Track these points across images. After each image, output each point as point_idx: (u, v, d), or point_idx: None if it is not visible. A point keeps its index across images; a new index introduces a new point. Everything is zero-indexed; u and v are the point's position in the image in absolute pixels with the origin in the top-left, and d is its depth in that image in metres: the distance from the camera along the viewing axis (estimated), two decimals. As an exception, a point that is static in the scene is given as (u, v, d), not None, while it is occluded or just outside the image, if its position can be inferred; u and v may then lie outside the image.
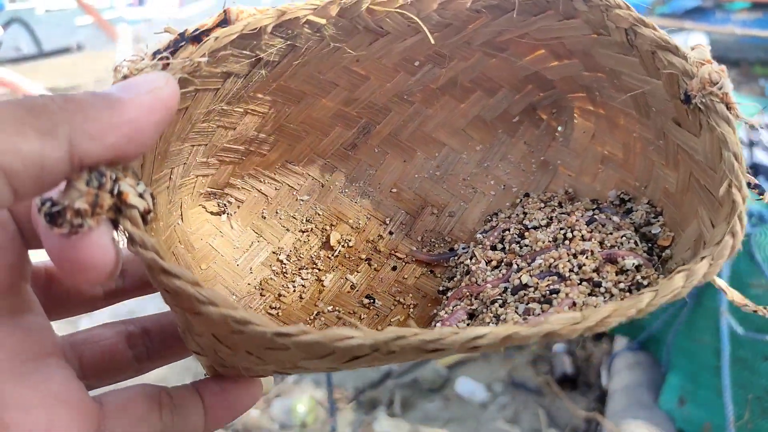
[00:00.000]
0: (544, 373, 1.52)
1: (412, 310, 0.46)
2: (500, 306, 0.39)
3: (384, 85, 0.46)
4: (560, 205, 0.47)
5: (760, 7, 3.18)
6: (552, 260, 0.39)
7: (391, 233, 0.50)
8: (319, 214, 0.50)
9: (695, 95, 0.34)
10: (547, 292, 0.37)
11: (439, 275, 0.48)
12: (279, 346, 0.25)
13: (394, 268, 0.49)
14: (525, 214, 0.45)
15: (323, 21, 0.37)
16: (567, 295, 0.36)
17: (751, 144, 1.37)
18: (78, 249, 0.24)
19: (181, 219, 0.45)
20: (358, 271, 0.48)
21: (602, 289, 0.37)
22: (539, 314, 0.36)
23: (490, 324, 0.38)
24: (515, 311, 0.38)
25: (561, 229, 0.41)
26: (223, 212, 0.48)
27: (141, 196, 0.26)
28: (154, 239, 0.25)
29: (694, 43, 0.36)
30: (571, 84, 0.48)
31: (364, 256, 0.49)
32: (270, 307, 0.45)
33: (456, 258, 0.48)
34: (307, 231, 0.49)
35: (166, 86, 0.27)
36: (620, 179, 0.48)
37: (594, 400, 1.42)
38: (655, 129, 0.42)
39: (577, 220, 0.41)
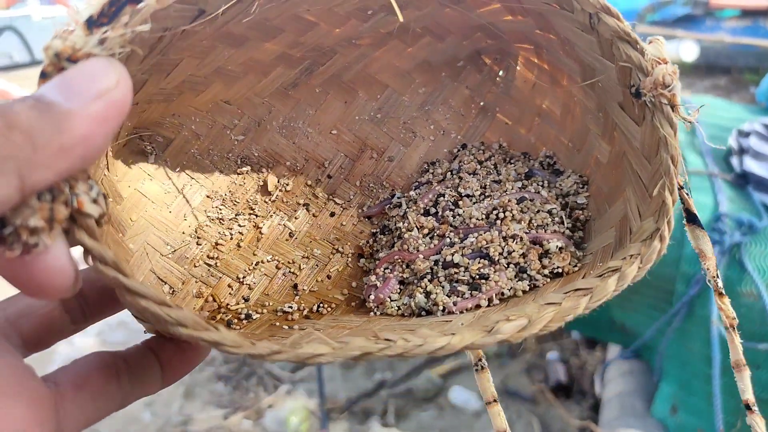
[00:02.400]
0: (538, 382, 1.52)
1: (349, 259, 0.48)
2: (429, 281, 0.41)
3: (333, 30, 0.43)
4: (495, 167, 0.48)
5: (750, 14, 3.12)
6: (484, 242, 0.40)
7: (329, 177, 0.50)
8: (255, 155, 0.48)
9: (646, 93, 0.35)
10: (477, 275, 0.39)
11: (375, 222, 0.49)
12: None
13: (332, 215, 0.49)
14: (460, 179, 0.46)
15: None
16: (496, 282, 0.38)
17: (741, 151, 1.33)
18: (33, 269, 0.22)
19: (107, 168, 0.42)
20: (296, 218, 0.48)
21: (527, 275, 0.39)
22: (468, 297, 0.38)
23: (421, 296, 0.40)
24: (443, 289, 0.40)
25: (494, 209, 0.43)
26: (151, 153, 0.45)
27: (95, 201, 0.24)
28: (112, 252, 0.24)
29: (655, 41, 0.36)
30: (520, 36, 0.47)
31: (302, 201, 0.48)
32: (207, 256, 0.45)
33: (390, 207, 0.49)
34: (243, 173, 0.47)
35: (118, 87, 0.23)
36: (555, 136, 0.50)
37: (588, 408, 1.42)
38: (597, 101, 0.43)
39: (509, 201, 0.43)
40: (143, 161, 0.44)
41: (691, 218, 0.39)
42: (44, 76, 0.25)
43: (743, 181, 1.28)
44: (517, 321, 0.31)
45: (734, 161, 1.32)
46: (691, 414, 1.16)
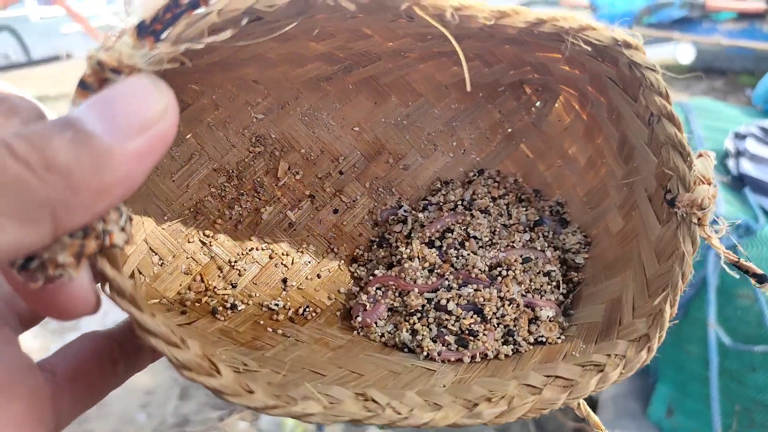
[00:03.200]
0: None
1: (342, 261, 0.47)
2: (418, 319, 0.41)
3: (386, 43, 0.40)
4: (507, 208, 0.47)
5: (746, 17, 3.00)
6: (482, 299, 0.41)
7: (341, 173, 0.48)
8: (271, 137, 0.46)
9: (680, 207, 0.35)
10: (467, 331, 0.39)
11: (378, 230, 0.49)
12: None
13: (335, 211, 0.48)
14: (472, 217, 0.45)
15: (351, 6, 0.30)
16: (483, 343, 0.39)
17: (738, 154, 1.31)
18: (57, 297, 0.21)
19: None
20: (299, 208, 0.47)
21: (513, 340, 0.40)
22: (453, 350, 0.39)
23: (407, 333, 0.41)
24: (430, 333, 0.40)
25: (498, 265, 0.43)
26: (165, 115, 0.42)
27: (123, 229, 0.23)
28: (131, 282, 0.23)
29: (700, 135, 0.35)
30: (569, 82, 0.45)
31: (308, 192, 0.47)
32: (203, 234, 0.44)
33: (393, 220, 0.48)
34: (255, 153, 0.46)
35: (166, 117, 0.21)
36: (572, 185, 0.49)
37: None
38: (626, 174, 0.42)
39: (515, 260, 0.43)
40: None
41: (761, 279, 0.38)
42: (84, 87, 0.23)
43: (740, 183, 1.27)
44: (497, 406, 0.32)
45: (731, 164, 1.32)
46: (688, 416, 1.15)
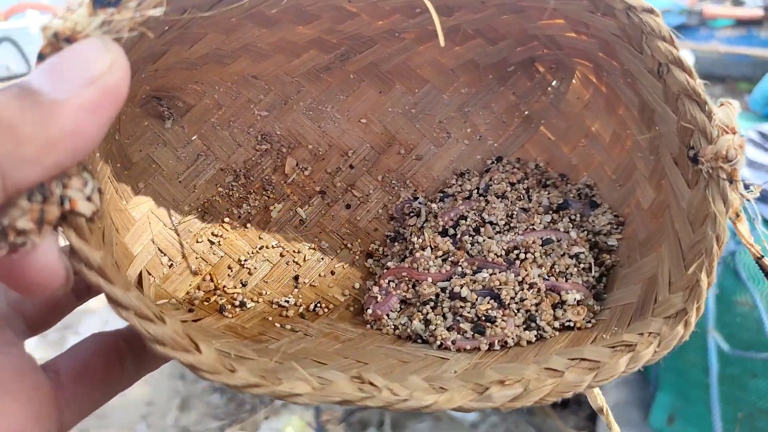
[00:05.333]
0: None
1: (357, 257, 0.46)
2: (432, 309, 0.39)
3: (375, 22, 0.39)
4: (527, 192, 0.44)
5: (744, 24, 2.94)
6: (497, 282, 0.38)
7: (351, 167, 0.47)
8: (277, 134, 0.46)
9: (704, 162, 0.31)
10: (483, 317, 0.37)
11: (393, 224, 0.47)
12: None
13: (348, 207, 0.47)
14: (487, 202, 0.43)
15: None
16: (502, 329, 0.36)
17: None
18: (22, 268, 0.21)
19: (118, 131, 0.40)
20: (310, 204, 0.46)
21: (535, 325, 0.37)
22: (469, 338, 0.36)
23: (419, 323, 0.38)
24: (444, 321, 0.38)
25: (516, 248, 0.40)
26: (169, 117, 0.43)
27: (89, 198, 0.22)
28: (100, 254, 0.22)
29: (722, 97, 0.32)
30: (580, 53, 0.43)
31: (318, 188, 0.46)
32: (212, 233, 0.43)
33: (408, 214, 0.46)
34: (261, 151, 0.45)
35: (113, 71, 0.21)
36: (599, 163, 0.46)
37: (584, 418, 1.38)
38: (651, 143, 0.39)
39: (533, 242, 0.40)
40: (159, 126, 0.43)
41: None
42: (41, 58, 0.23)
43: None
44: (511, 389, 0.29)
45: None
46: (689, 423, 1.15)
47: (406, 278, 0.41)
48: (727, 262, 1.04)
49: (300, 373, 0.27)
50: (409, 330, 0.38)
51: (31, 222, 0.20)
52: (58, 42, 0.22)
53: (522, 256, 0.39)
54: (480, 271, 0.39)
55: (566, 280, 0.39)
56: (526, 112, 0.48)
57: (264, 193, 0.45)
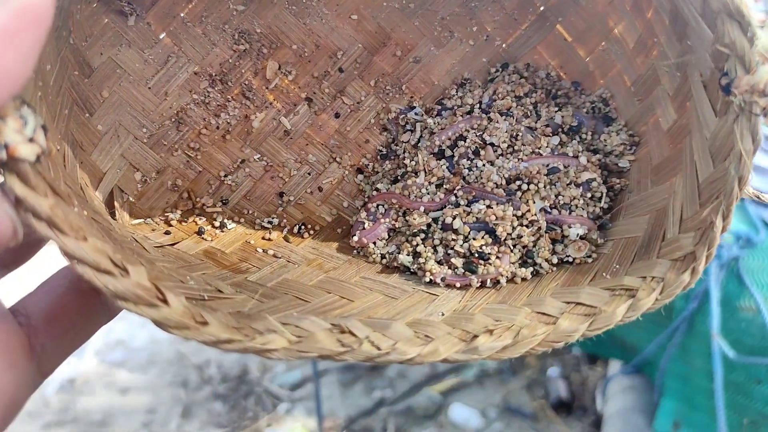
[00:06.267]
0: (539, 398, 1.42)
1: (346, 172, 0.42)
2: (422, 240, 0.36)
3: None
4: (535, 108, 0.40)
5: None
6: (494, 217, 0.35)
7: (341, 70, 0.42)
8: (256, 32, 0.40)
9: (737, 94, 0.27)
10: (477, 254, 0.34)
11: (384, 135, 0.43)
12: None
13: (337, 116, 0.42)
14: (489, 120, 0.39)
15: None
16: (496, 267, 0.33)
17: None
18: None
19: (73, 33, 0.35)
20: (295, 113, 0.42)
21: (532, 261, 0.34)
22: (460, 275, 0.34)
23: (408, 255, 0.36)
24: (435, 255, 0.35)
25: (518, 178, 0.36)
26: (131, 13, 0.37)
27: (31, 139, 0.19)
28: (49, 201, 0.20)
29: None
30: (612, -60, 0.36)
31: (304, 95, 0.42)
32: (188, 146, 0.40)
33: (403, 127, 0.42)
34: (239, 51, 0.40)
35: None
36: (618, 71, 0.41)
37: (589, 424, 1.35)
38: (679, 58, 0.34)
39: (538, 171, 0.36)
40: (121, 23, 0.37)
41: None
42: None
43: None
44: (500, 340, 0.27)
45: None
46: (694, 429, 1.15)
47: (396, 206, 0.38)
48: (731, 268, 1.02)
49: (274, 324, 0.25)
50: (396, 262, 0.36)
51: None
52: None
53: (524, 187, 0.36)
54: (476, 202, 0.35)
55: (570, 213, 0.36)
56: (542, 8, 0.42)
57: (244, 100, 0.41)
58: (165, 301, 0.22)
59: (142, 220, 0.38)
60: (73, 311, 0.25)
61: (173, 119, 0.39)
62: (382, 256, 0.37)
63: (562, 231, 0.35)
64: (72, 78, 0.35)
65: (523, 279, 0.34)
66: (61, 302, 0.25)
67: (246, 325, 0.24)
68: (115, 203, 0.37)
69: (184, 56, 0.39)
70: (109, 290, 0.21)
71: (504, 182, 0.36)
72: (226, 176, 0.40)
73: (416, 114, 0.42)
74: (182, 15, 0.39)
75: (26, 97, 0.22)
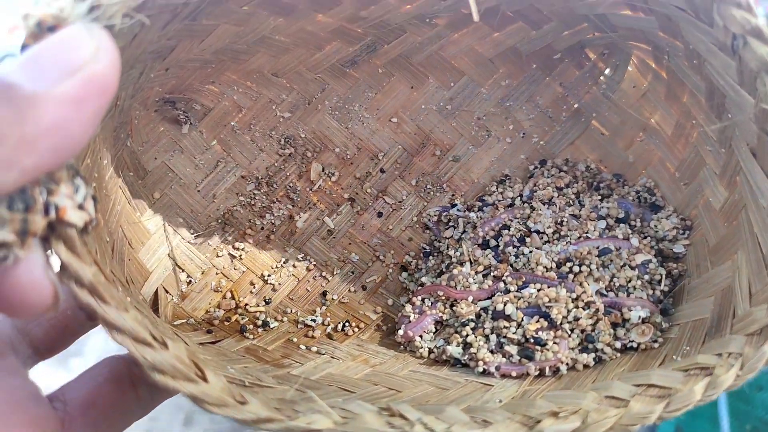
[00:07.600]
0: None
1: (390, 270, 0.42)
2: (472, 330, 0.34)
3: (402, 6, 0.35)
4: (578, 197, 0.39)
5: None
6: (546, 299, 0.33)
7: (382, 171, 0.43)
8: (301, 137, 0.42)
9: None
10: (532, 339, 0.32)
11: (427, 233, 0.43)
12: None
13: (379, 215, 0.43)
14: (532, 209, 0.38)
15: None
16: (554, 353, 0.31)
17: None
18: (4, 285, 0.18)
19: (131, 137, 0.37)
20: (338, 213, 0.42)
21: (593, 347, 0.32)
22: (516, 362, 0.32)
23: (457, 346, 0.34)
24: (487, 344, 0.33)
25: (568, 260, 0.35)
26: (185, 122, 0.40)
27: (81, 206, 0.19)
28: (92, 269, 0.19)
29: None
30: (637, 34, 0.38)
31: (347, 195, 0.43)
32: (233, 247, 0.40)
33: (444, 224, 0.42)
34: (285, 155, 0.42)
35: (98, 58, 0.18)
36: (659, 160, 0.41)
37: None
38: (722, 134, 0.34)
39: (588, 252, 0.35)
40: (175, 131, 0.40)
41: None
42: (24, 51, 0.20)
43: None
44: (567, 422, 0.25)
45: None
46: None
47: (443, 297, 0.36)
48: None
49: (319, 405, 0.23)
50: (445, 355, 0.34)
51: (12, 233, 0.17)
52: (41, 31, 0.19)
53: (576, 269, 0.34)
54: (526, 286, 0.34)
55: (628, 295, 0.34)
56: (576, 105, 0.44)
57: (288, 201, 0.42)
58: (204, 378, 0.21)
59: (185, 320, 0.38)
60: (110, 402, 0.25)
61: (219, 221, 0.40)
62: (430, 351, 0.35)
63: (622, 314, 0.33)
64: (127, 178, 0.37)
65: (585, 366, 0.32)
66: (100, 391, 0.25)
67: (288, 407, 0.23)
68: (159, 303, 0.37)
69: (232, 161, 0.41)
70: (146, 361, 0.20)
71: (554, 266, 0.35)
72: (269, 276, 0.40)
73: (458, 210, 0.42)
74: (233, 123, 0.41)
75: (78, 168, 0.22)
